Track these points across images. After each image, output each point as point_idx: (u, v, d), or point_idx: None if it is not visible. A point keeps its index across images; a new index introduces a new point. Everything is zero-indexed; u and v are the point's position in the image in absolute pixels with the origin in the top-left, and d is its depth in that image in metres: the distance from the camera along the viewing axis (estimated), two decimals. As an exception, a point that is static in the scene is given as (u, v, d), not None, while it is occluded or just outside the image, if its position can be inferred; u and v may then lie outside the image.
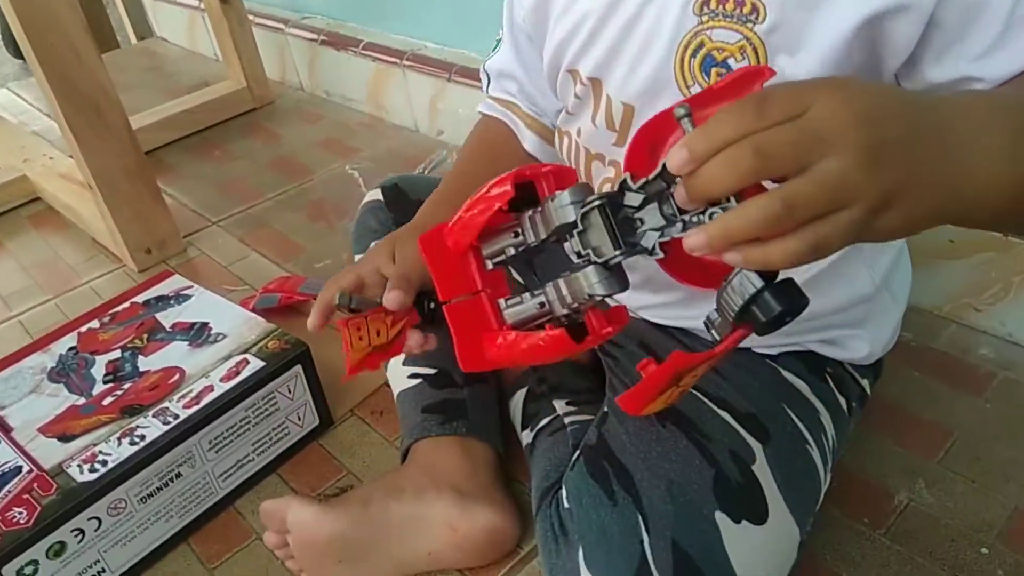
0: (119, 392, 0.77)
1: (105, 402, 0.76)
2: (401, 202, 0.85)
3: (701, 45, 0.51)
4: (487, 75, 0.75)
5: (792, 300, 0.37)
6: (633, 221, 0.40)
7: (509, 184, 0.43)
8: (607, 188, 0.56)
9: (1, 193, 1.41)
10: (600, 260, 0.40)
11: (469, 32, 1.34)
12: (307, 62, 1.66)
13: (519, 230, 0.44)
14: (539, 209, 0.43)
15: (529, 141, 0.72)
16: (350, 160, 1.42)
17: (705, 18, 0.51)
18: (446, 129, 1.41)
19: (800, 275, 0.53)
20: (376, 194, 0.87)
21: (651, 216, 0.39)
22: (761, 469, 0.56)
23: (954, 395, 0.80)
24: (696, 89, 0.52)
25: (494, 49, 0.74)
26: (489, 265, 0.46)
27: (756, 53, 0.50)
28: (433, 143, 1.43)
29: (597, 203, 0.39)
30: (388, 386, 0.88)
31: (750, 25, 0.49)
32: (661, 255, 0.40)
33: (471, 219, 0.44)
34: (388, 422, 0.85)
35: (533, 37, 0.66)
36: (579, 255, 0.41)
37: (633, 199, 0.39)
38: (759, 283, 0.36)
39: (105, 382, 0.79)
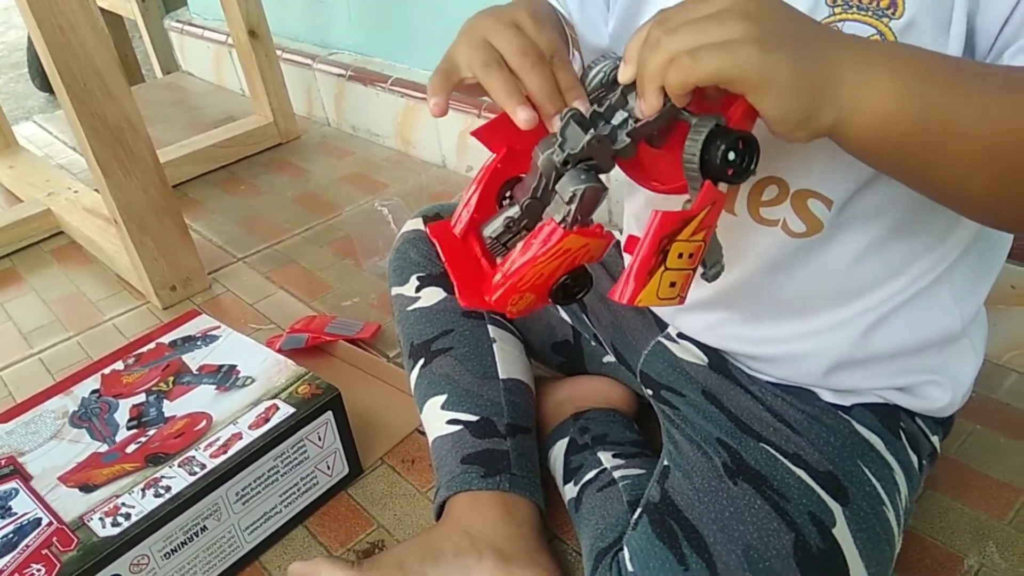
0: (143, 439, 0.74)
1: (129, 449, 0.73)
2: None
3: None
4: None
5: (740, 135, 0.41)
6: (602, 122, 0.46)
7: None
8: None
9: (24, 227, 1.39)
10: (576, 151, 0.45)
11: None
12: (334, 97, 1.65)
13: (510, 199, 0.50)
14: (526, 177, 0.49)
15: None
16: (377, 196, 1.39)
17: (838, 9, 0.48)
18: (475, 165, 1.39)
19: (891, 303, 0.52)
20: (416, 224, 0.84)
21: (617, 117, 0.45)
22: (842, 533, 0.52)
23: (1019, 449, 0.76)
24: None
25: None
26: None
27: None
28: (462, 179, 1.41)
29: (569, 113, 0.45)
30: (420, 432, 0.85)
31: (886, 20, 0.46)
32: (628, 141, 0.44)
33: (468, 197, 0.50)
34: (420, 471, 0.82)
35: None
36: (563, 165, 0.45)
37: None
38: (709, 124, 0.41)
39: (129, 428, 0.76)
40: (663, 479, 0.58)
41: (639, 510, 0.58)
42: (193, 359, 0.83)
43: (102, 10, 1.01)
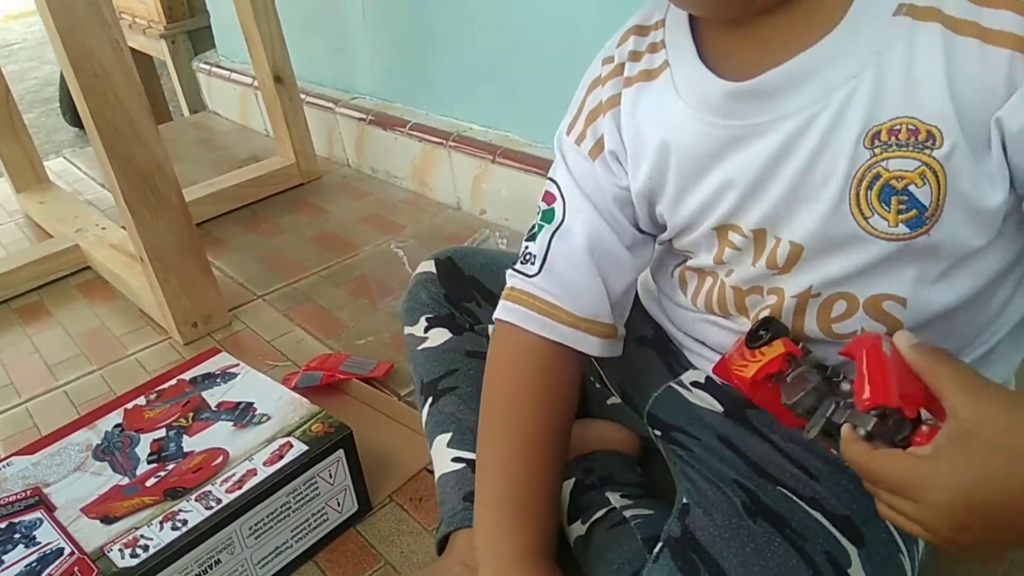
0: (163, 473, 0.77)
1: (149, 483, 0.76)
2: (454, 275, 0.85)
3: (877, 176, 0.51)
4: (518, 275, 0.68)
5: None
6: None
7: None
8: (765, 313, 0.60)
9: (53, 262, 1.44)
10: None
11: (513, 115, 1.37)
12: (355, 140, 1.70)
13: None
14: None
15: (594, 345, 0.66)
16: (393, 236, 1.43)
17: (878, 150, 0.50)
18: (488, 208, 1.43)
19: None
20: (429, 266, 0.87)
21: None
22: (857, 573, 0.54)
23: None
24: (876, 220, 0.52)
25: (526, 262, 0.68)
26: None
27: (936, 177, 0.50)
28: (476, 221, 1.44)
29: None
30: (428, 471, 0.87)
31: (928, 151, 0.49)
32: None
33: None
34: (428, 509, 0.84)
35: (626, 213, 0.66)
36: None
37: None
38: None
39: (149, 462, 0.79)
40: (683, 515, 0.60)
41: (660, 544, 0.59)
42: (212, 396, 0.87)
43: (133, 50, 1.06)
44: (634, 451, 0.81)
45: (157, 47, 2.41)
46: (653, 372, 0.72)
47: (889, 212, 0.51)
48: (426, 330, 0.82)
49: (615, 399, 0.79)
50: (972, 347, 0.59)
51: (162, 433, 0.82)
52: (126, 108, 1.04)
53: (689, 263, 0.66)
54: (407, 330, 0.85)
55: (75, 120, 3.44)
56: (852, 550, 0.55)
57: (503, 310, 0.67)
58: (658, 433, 0.70)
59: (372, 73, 1.68)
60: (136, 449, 0.81)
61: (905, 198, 0.50)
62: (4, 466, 0.81)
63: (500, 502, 0.65)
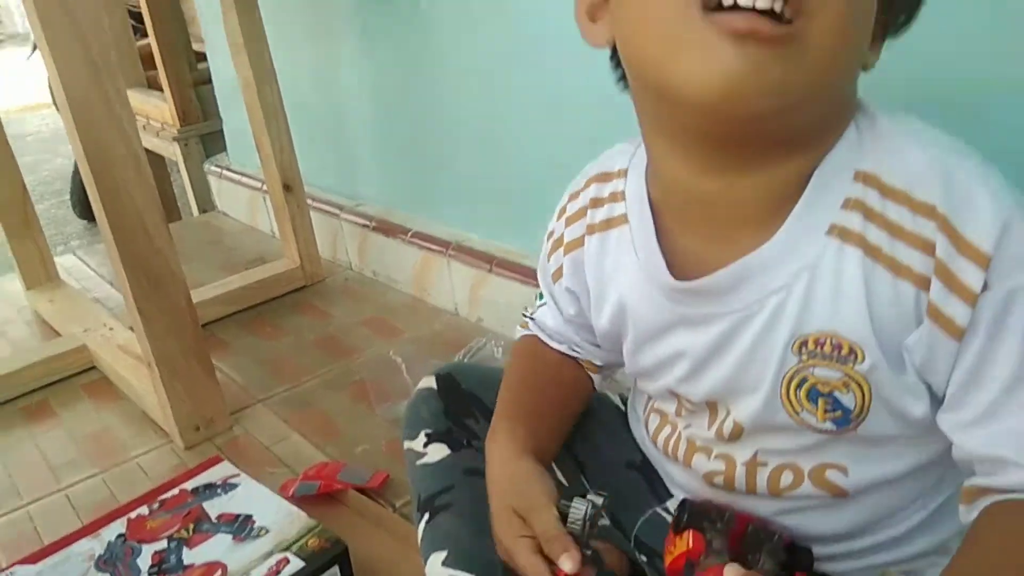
0: (162, 586, 0.79)
1: (148, 597, 0.78)
2: (453, 390, 0.89)
3: (804, 379, 0.56)
4: (533, 321, 0.80)
5: None
6: None
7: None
8: (716, 479, 0.66)
9: (60, 362, 1.48)
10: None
11: (511, 227, 1.43)
12: (357, 245, 1.77)
13: None
14: None
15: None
16: (393, 340, 1.48)
17: (805, 357, 0.55)
18: (485, 316, 1.48)
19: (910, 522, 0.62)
20: (430, 381, 0.90)
21: None
22: None
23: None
24: (805, 415, 0.57)
25: (537, 305, 0.80)
26: None
27: (860, 387, 0.54)
28: (473, 328, 1.49)
29: None
30: (421, 587, 0.89)
31: (850, 365, 0.54)
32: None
33: None
34: (420, 625, 0.86)
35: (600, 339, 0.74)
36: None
37: None
38: None
39: (150, 574, 0.81)
40: None
41: None
42: (213, 507, 0.89)
43: (146, 151, 1.12)
44: (623, 572, 0.84)
45: (170, 149, 2.51)
46: (640, 496, 0.75)
47: (817, 410, 0.56)
48: (425, 445, 0.86)
49: (605, 521, 0.81)
50: (920, 506, 0.63)
51: (163, 544, 0.85)
52: (143, 221, 1.09)
53: (655, 404, 0.70)
54: (407, 444, 0.88)
55: (84, 213, 3.53)
56: None
57: (522, 333, 0.81)
58: (644, 559, 0.73)
59: (376, 182, 1.76)
60: (138, 560, 0.83)
61: (830, 401, 0.55)
62: (7, 575, 0.83)
63: (514, 407, 0.74)
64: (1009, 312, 0.49)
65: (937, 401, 0.54)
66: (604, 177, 0.69)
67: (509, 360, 0.81)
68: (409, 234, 1.61)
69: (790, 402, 0.57)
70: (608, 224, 0.67)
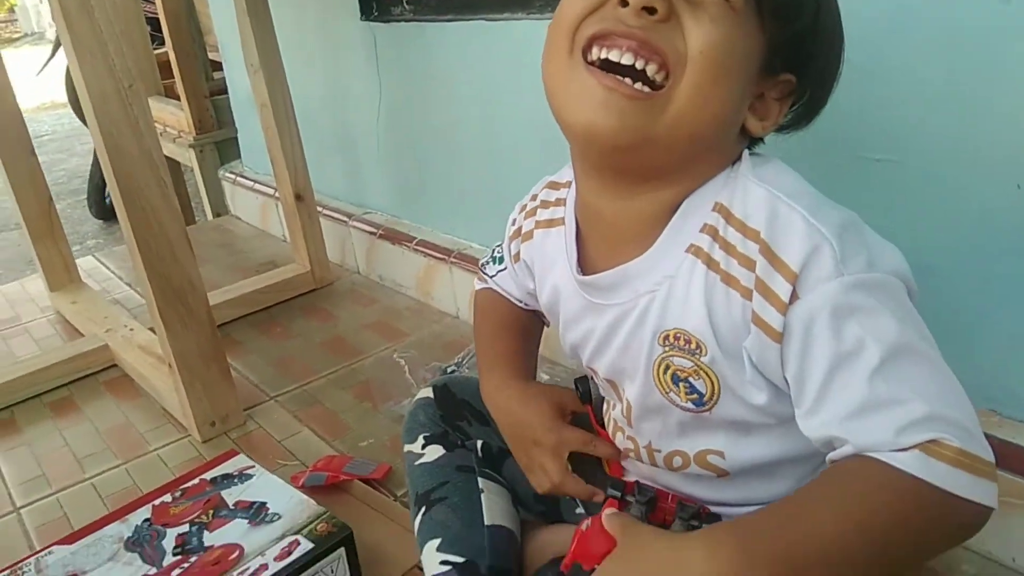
0: (186, 564, 0.88)
1: (174, 574, 0.87)
2: (449, 399, 0.99)
3: (668, 366, 0.67)
4: (493, 279, 0.94)
5: None
6: None
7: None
8: (631, 455, 0.79)
9: (83, 360, 1.57)
10: None
11: (510, 237, 1.52)
12: (365, 251, 1.86)
13: None
14: None
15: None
16: (397, 342, 1.57)
17: (667, 348, 0.67)
18: (485, 320, 1.56)
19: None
20: (428, 392, 1.00)
21: None
22: None
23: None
24: (672, 395, 0.69)
25: (495, 262, 0.94)
26: None
27: (708, 376, 0.66)
28: (472, 329, 1.57)
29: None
30: (419, 568, 0.97)
31: (697, 356, 0.65)
32: None
33: None
34: (417, 604, 0.94)
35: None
36: None
37: None
38: None
39: (174, 554, 0.90)
40: None
41: None
42: (230, 495, 0.98)
43: (164, 157, 1.21)
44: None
45: (185, 155, 2.61)
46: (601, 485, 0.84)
47: (680, 392, 0.68)
48: (423, 447, 0.95)
49: (581, 509, 0.90)
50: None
51: (186, 528, 0.94)
52: (167, 235, 1.19)
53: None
54: (406, 447, 0.97)
55: (100, 213, 3.63)
56: None
57: (481, 286, 0.96)
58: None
59: (383, 192, 1.86)
60: (163, 542, 0.92)
61: (688, 385, 0.67)
62: (46, 554, 0.92)
63: (495, 355, 0.89)
64: (814, 320, 0.58)
65: (778, 392, 0.64)
66: (555, 185, 0.82)
67: (475, 313, 0.95)
68: (414, 242, 1.70)
69: (660, 383, 0.69)
70: (550, 223, 0.80)
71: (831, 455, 0.59)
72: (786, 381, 0.62)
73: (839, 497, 0.56)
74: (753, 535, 0.57)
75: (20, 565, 0.91)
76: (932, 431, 0.54)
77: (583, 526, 0.68)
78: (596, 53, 0.60)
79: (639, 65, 0.58)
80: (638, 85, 0.59)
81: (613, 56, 0.59)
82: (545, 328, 0.94)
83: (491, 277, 0.94)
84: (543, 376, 1.34)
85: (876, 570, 0.56)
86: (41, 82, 5.85)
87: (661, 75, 0.59)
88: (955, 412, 0.56)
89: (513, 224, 0.88)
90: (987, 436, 0.56)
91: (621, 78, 0.59)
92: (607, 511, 0.66)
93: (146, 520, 0.96)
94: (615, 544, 0.63)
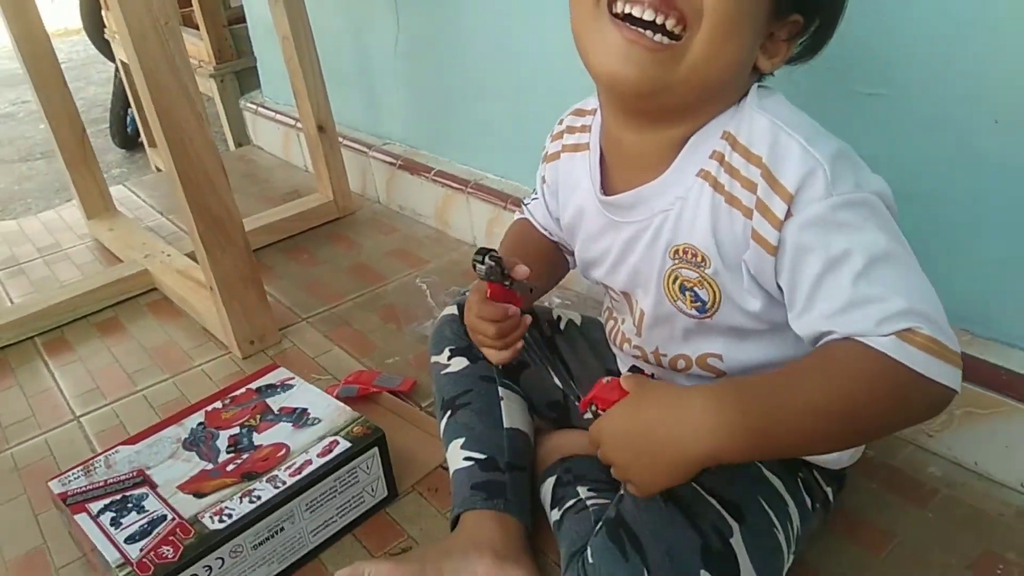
0: (239, 461, 1.00)
1: (228, 468, 0.98)
2: None
3: (676, 277, 0.77)
4: (527, 207, 1.04)
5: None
6: None
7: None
8: (639, 361, 0.91)
9: (125, 284, 1.68)
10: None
11: (525, 169, 1.59)
12: (385, 181, 1.94)
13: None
14: None
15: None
16: (418, 268, 1.66)
17: (676, 261, 0.76)
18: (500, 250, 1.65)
19: None
20: (453, 309, 1.10)
21: None
22: (737, 542, 0.75)
23: (903, 505, 0.98)
24: (680, 304, 0.79)
25: (533, 192, 1.02)
26: None
27: (711, 286, 0.75)
28: (489, 258, 1.66)
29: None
30: (443, 468, 1.09)
31: (702, 268, 0.75)
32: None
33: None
34: (442, 497, 1.06)
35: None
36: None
37: None
38: None
39: (228, 452, 1.01)
40: (619, 502, 0.81)
41: (600, 523, 0.81)
42: (275, 402, 1.09)
43: None
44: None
45: (207, 85, 2.66)
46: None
47: (686, 300, 0.78)
48: (449, 358, 1.05)
49: (589, 414, 1.01)
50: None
51: (236, 430, 1.05)
52: (206, 167, 1.27)
53: (607, 305, 0.94)
54: (433, 358, 1.07)
55: (123, 142, 3.70)
56: (735, 525, 0.76)
57: (518, 216, 1.05)
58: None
59: (402, 123, 1.92)
60: (217, 442, 1.03)
61: (693, 294, 0.76)
62: (113, 453, 1.04)
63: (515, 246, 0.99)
64: (805, 234, 0.67)
65: (772, 299, 0.74)
66: (580, 112, 0.91)
67: (504, 236, 1.04)
68: (432, 172, 1.78)
69: (669, 292, 0.79)
70: (576, 148, 0.89)
71: (820, 344, 0.69)
72: (780, 289, 0.72)
73: (825, 369, 0.66)
74: (749, 392, 0.68)
75: (91, 462, 1.03)
76: (908, 321, 0.63)
77: (604, 380, 0.77)
78: (620, 7, 0.67)
79: (659, 20, 0.66)
80: (658, 37, 0.67)
81: (635, 11, 0.66)
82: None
83: (526, 205, 1.04)
84: (555, 300, 1.43)
85: (849, 436, 0.69)
86: (55, 8, 5.82)
87: (679, 27, 0.66)
88: (928, 308, 0.65)
89: (544, 151, 0.97)
90: (961, 354, 0.65)
91: (642, 31, 0.67)
92: (625, 373, 0.77)
93: (200, 423, 1.07)
94: (628, 395, 0.73)
